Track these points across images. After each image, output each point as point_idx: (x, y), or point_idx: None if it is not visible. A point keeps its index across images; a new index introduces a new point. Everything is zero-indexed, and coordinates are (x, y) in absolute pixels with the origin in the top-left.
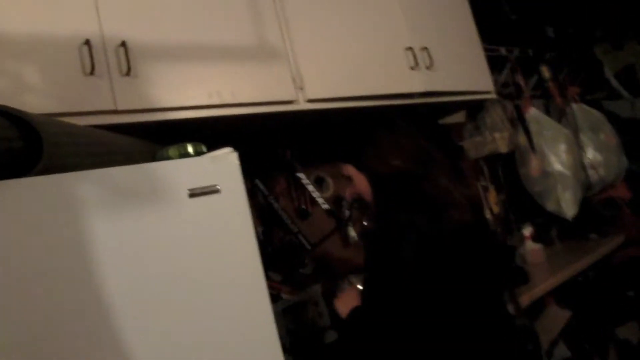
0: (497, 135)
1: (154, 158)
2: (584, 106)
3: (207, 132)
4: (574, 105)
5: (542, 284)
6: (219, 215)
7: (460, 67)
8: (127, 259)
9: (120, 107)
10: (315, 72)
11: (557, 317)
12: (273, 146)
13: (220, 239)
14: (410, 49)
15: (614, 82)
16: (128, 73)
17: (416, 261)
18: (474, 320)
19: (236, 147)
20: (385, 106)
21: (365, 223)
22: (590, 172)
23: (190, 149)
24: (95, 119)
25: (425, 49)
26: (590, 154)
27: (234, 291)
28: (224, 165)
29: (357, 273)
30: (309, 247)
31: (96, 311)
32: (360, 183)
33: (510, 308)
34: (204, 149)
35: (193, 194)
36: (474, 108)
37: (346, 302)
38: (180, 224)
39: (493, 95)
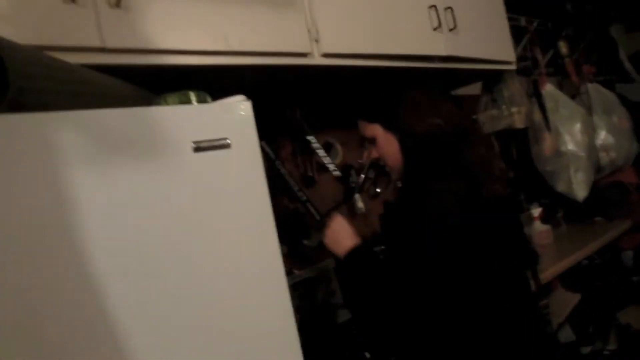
0: (514, 109)
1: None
2: (599, 87)
3: (207, 84)
4: (590, 85)
5: (551, 267)
6: (228, 173)
7: (484, 32)
8: (115, 220)
9: (109, 45)
10: (333, 25)
11: (565, 301)
12: (281, 105)
13: (229, 202)
14: (433, 7)
15: (628, 65)
16: (118, 4)
17: (458, 230)
18: (505, 298)
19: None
20: (405, 68)
21: (399, 184)
22: (601, 154)
23: (193, 97)
24: (79, 57)
25: (449, 8)
26: (603, 136)
27: (246, 263)
28: (236, 115)
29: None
30: (318, 217)
31: (78, 276)
32: (388, 144)
33: (532, 285)
34: (208, 99)
35: (199, 147)
36: (491, 79)
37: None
38: (182, 182)
39: (514, 67)
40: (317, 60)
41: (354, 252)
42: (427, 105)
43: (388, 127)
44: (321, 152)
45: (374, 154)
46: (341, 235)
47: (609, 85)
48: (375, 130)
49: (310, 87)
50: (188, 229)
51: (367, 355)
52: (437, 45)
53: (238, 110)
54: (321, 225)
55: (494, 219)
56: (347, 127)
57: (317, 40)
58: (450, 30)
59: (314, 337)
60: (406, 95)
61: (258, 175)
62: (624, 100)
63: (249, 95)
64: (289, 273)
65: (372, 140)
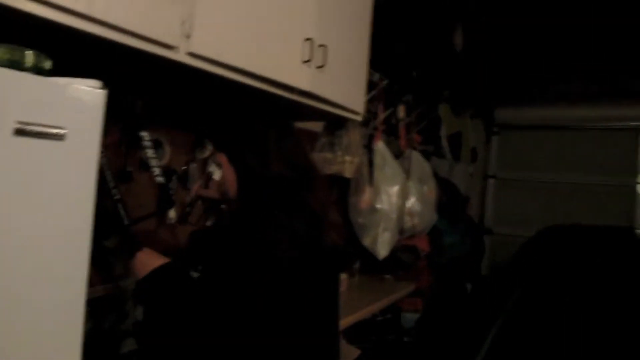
0: (348, 158)
1: None
2: (419, 155)
3: (48, 47)
4: (413, 152)
5: (343, 318)
6: (54, 172)
7: (346, 78)
8: None
9: None
10: (209, 26)
11: (346, 354)
12: (120, 90)
13: (46, 205)
14: (309, 40)
15: (444, 142)
16: None
17: (288, 265)
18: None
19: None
20: (264, 92)
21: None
22: (407, 218)
23: (29, 58)
24: None
25: (323, 46)
26: (412, 202)
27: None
28: (82, 102)
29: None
30: (126, 222)
31: None
32: (228, 176)
33: None
34: (47, 65)
35: (22, 130)
36: (334, 122)
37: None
38: None
39: (360, 118)
40: (182, 57)
41: (164, 268)
42: (274, 148)
43: (231, 157)
44: (150, 152)
45: (201, 191)
46: (150, 260)
47: (425, 155)
48: (222, 158)
49: (159, 78)
50: None
51: None
52: (302, 78)
53: (87, 97)
54: (127, 233)
55: (325, 269)
56: (181, 129)
57: (188, 36)
58: (318, 67)
59: None
60: (253, 130)
61: (89, 181)
62: (434, 173)
63: (90, 70)
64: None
65: (219, 164)
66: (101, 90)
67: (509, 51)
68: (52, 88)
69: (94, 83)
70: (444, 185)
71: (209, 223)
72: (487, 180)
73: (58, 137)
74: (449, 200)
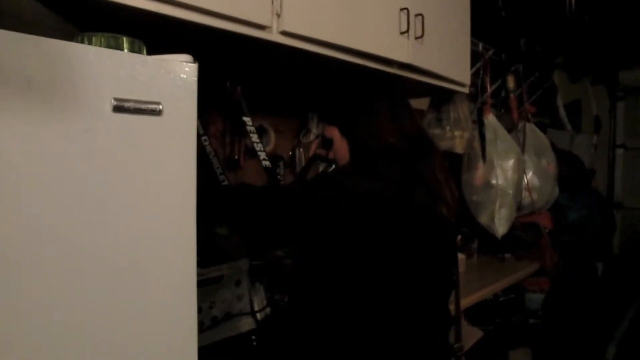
0: (457, 132)
1: None
2: (535, 127)
3: (143, 37)
4: (527, 125)
5: (462, 300)
6: (153, 147)
7: (448, 49)
8: None
9: None
10: (299, 2)
11: (467, 336)
12: (221, 76)
13: (146, 181)
14: (405, 10)
15: (562, 112)
16: None
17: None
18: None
19: None
20: (364, 67)
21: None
22: (525, 194)
23: (125, 44)
24: None
25: (420, 15)
26: (530, 177)
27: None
28: (176, 77)
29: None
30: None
31: None
32: (340, 149)
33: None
34: (143, 50)
35: (120, 107)
36: (440, 97)
37: None
38: (88, 144)
39: (466, 90)
40: (275, 37)
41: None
42: (387, 120)
43: (343, 130)
44: (255, 137)
45: (319, 150)
46: None
47: (541, 128)
48: (333, 132)
49: (256, 63)
50: (85, 199)
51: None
52: (400, 50)
53: (180, 71)
54: None
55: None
56: (285, 115)
57: (278, 15)
58: (417, 38)
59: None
60: (369, 105)
61: (188, 155)
62: (552, 145)
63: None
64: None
65: (329, 141)
66: (194, 64)
67: (632, 2)
68: (146, 65)
69: (186, 57)
70: (565, 158)
71: None
72: (615, 151)
73: (155, 113)
74: (571, 174)
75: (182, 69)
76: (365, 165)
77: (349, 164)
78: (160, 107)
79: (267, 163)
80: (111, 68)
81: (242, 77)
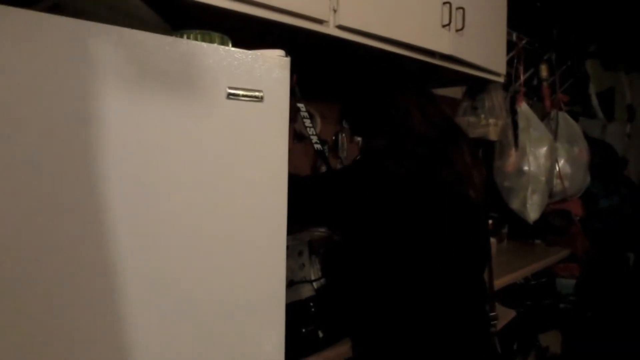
0: (492, 120)
1: None
2: (567, 116)
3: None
4: (560, 113)
5: (496, 280)
6: (257, 128)
7: (485, 39)
8: (136, 145)
9: None
10: None
11: (501, 314)
12: None
13: (252, 158)
14: (447, 3)
15: (594, 101)
16: None
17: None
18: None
19: None
20: (408, 58)
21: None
22: (556, 181)
23: (216, 40)
24: None
25: (461, 8)
26: (562, 164)
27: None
28: (273, 70)
29: None
30: None
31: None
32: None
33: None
34: (229, 44)
35: (233, 94)
36: (475, 86)
37: None
38: (210, 126)
39: (501, 80)
40: (332, 30)
41: None
42: (416, 111)
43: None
44: (307, 122)
45: None
46: None
47: (573, 116)
48: None
49: (310, 53)
50: (208, 174)
51: (320, 334)
52: (442, 42)
53: (277, 65)
54: None
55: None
56: (328, 101)
57: (335, 10)
58: (457, 30)
59: None
60: (398, 99)
61: (283, 137)
62: (584, 134)
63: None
64: None
65: None
66: (287, 58)
67: None
68: (250, 59)
69: (280, 52)
70: (597, 146)
71: None
72: None
73: (258, 99)
74: (603, 162)
75: (279, 62)
76: (399, 150)
77: (385, 149)
78: (262, 94)
79: (318, 146)
80: (224, 62)
81: (295, 67)
